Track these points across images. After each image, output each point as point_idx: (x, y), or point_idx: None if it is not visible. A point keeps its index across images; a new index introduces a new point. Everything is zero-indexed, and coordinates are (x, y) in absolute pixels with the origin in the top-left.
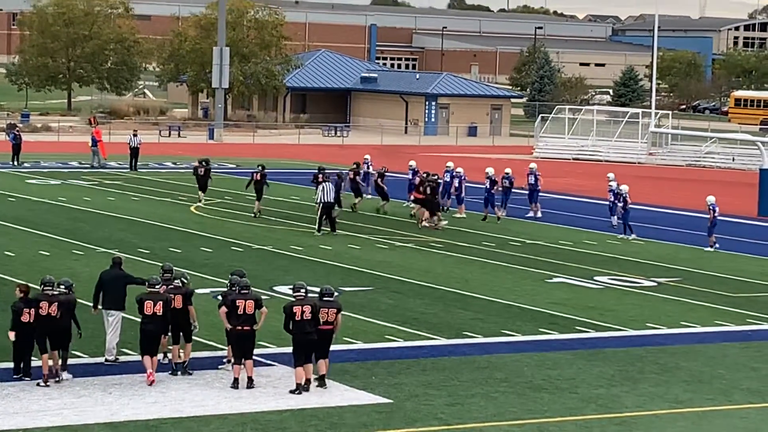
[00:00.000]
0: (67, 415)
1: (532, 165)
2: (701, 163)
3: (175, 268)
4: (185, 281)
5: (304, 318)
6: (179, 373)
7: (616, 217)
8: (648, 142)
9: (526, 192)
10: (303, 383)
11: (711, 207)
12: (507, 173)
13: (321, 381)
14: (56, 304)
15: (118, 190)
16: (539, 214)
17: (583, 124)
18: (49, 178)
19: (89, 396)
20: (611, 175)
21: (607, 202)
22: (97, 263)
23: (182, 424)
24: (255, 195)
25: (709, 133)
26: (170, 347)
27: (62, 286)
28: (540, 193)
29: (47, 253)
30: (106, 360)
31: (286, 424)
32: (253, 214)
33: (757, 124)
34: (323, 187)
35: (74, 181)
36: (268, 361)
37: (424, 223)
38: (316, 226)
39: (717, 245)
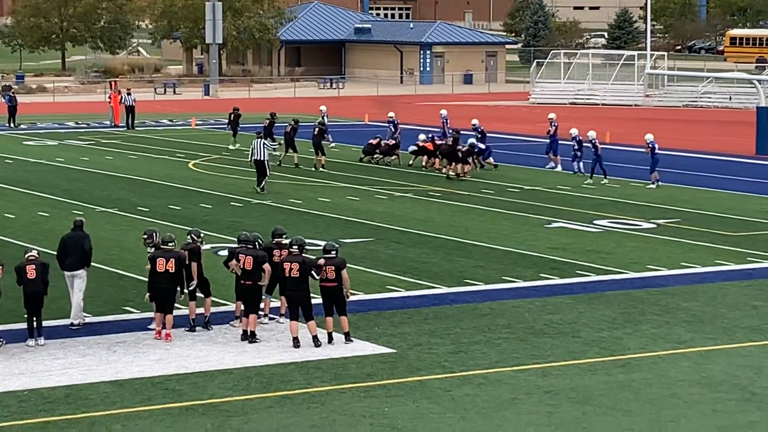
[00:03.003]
0: (72, 374)
1: (552, 115)
2: (698, 103)
3: (184, 226)
4: (195, 238)
5: (292, 275)
6: (199, 328)
7: (576, 163)
8: (644, 84)
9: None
10: (301, 337)
11: (650, 144)
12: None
13: (346, 336)
14: (34, 267)
15: (116, 149)
16: (558, 167)
17: (579, 69)
18: (46, 139)
19: (93, 355)
20: (553, 116)
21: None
22: (96, 223)
23: (187, 379)
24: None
25: (706, 73)
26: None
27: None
28: (558, 144)
29: (47, 214)
30: (72, 324)
31: (290, 377)
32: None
33: (752, 63)
34: (252, 144)
35: (71, 141)
36: (272, 315)
37: (449, 173)
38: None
39: (659, 182)
